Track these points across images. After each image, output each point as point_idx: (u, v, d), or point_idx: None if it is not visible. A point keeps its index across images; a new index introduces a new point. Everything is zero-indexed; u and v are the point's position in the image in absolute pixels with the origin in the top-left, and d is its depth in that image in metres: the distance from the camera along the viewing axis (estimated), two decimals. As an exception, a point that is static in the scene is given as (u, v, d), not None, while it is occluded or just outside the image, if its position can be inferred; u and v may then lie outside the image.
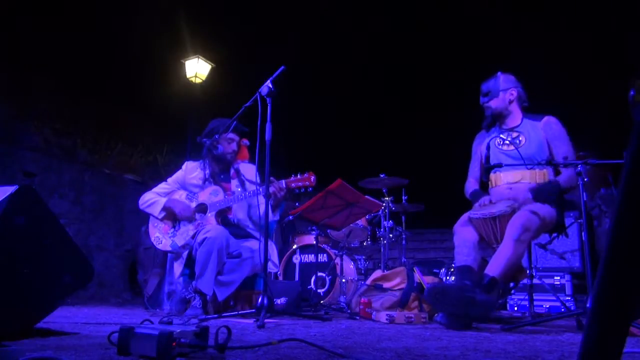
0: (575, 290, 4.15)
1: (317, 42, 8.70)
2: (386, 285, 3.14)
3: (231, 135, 3.19)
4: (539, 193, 2.56)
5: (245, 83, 3.51)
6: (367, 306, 2.96)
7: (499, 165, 2.67)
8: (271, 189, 2.78)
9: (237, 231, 3.08)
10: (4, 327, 1.48)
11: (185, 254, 3.00)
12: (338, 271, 4.13)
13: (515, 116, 2.86)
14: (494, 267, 2.36)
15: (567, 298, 4.07)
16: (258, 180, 3.14)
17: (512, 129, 2.84)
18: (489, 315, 2.57)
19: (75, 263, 1.76)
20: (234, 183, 3.21)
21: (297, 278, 4.49)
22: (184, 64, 7.56)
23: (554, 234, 2.76)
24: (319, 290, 4.30)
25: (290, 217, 4.33)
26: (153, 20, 7.43)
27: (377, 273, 3.39)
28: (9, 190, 1.58)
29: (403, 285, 3.06)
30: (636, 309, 0.58)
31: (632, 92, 0.68)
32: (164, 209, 3.12)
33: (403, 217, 4.76)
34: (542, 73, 5.86)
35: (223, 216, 3.11)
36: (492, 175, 2.83)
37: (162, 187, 3.28)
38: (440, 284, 2.77)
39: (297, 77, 4.15)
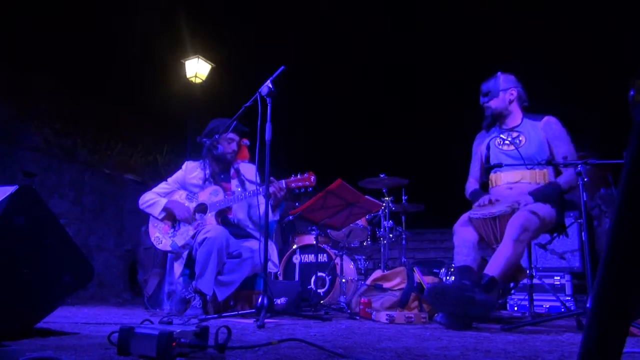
0: (575, 290, 4.15)
1: (317, 42, 8.69)
2: (386, 285, 3.14)
3: (231, 135, 3.19)
4: (539, 197, 2.56)
5: (245, 83, 3.51)
6: (367, 306, 2.96)
7: (499, 165, 2.67)
8: (271, 189, 2.78)
9: (237, 231, 3.08)
10: (4, 327, 1.48)
11: (185, 254, 3.00)
12: (338, 271, 4.13)
13: (516, 116, 2.86)
14: (494, 267, 2.36)
15: (567, 298, 4.08)
16: (258, 180, 3.14)
17: (512, 129, 2.84)
18: (488, 315, 2.57)
19: (75, 263, 1.76)
20: (234, 183, 3.22)
21: (297, 278, 4.49)
22: (184, 64, 7.55)
23: (554, 234, 2.77)
24: (319, 290, 4.29)
25: (290, 217, 4.33)
26: (153, 20, 7.42)
27: (377, 273, 3.39)
28: (9, 190, 1.58)
29: (403, 285, 3.06)
30: (636, 309, 0.58)
31: (632, 92, 0.68)
32: (164, 209, 3.12)
33: (403, 217, 4.77)
34: (542, 73, 5.85)
35: (223, 216, 3.11)
36: (492, 175, 2.83)
37: (162, 187, 3.29)
38: (440, 284, 2.77)
39: (297, 77, 4.15)
